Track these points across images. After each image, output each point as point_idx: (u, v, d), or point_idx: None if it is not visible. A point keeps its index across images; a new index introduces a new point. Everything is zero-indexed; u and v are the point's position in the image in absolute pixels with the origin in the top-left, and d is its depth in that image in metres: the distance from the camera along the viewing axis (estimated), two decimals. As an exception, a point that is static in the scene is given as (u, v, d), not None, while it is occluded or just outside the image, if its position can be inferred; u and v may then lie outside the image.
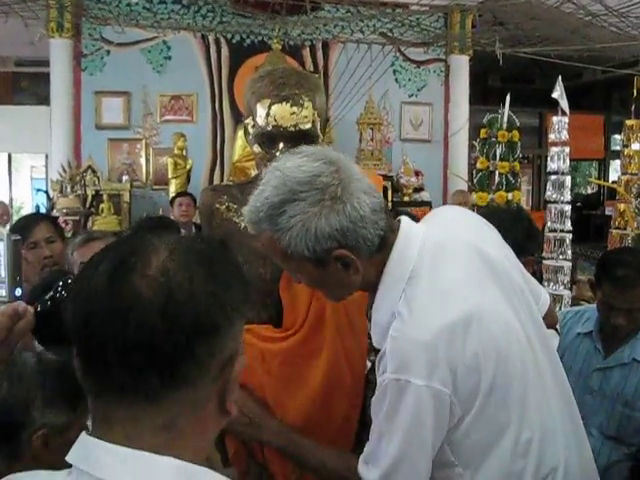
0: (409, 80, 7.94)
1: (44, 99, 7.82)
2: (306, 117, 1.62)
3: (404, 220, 1.39)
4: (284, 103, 1.60)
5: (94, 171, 6.81)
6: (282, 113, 1.61)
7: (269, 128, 1.62)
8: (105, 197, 6.64)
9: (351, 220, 1.23)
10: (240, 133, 6.97)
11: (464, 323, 1.24)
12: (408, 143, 7.86)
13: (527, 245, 2.43)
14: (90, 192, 6.67)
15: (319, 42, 7.60)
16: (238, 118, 7.37)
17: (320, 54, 7.63)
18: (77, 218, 6.33)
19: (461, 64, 7.86)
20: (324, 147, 1.38)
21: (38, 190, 6.75)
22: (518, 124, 5.37)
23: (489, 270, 1.36)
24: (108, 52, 7.24)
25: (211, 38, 7.41)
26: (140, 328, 0.77)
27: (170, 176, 6.73)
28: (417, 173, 7.25)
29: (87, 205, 6.60)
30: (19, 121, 8.51)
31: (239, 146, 6.96)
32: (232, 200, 1.77)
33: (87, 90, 7.24)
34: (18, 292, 1.13)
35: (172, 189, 6.65)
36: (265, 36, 7.27)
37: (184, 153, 6.79)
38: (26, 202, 9.36)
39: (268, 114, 1.61)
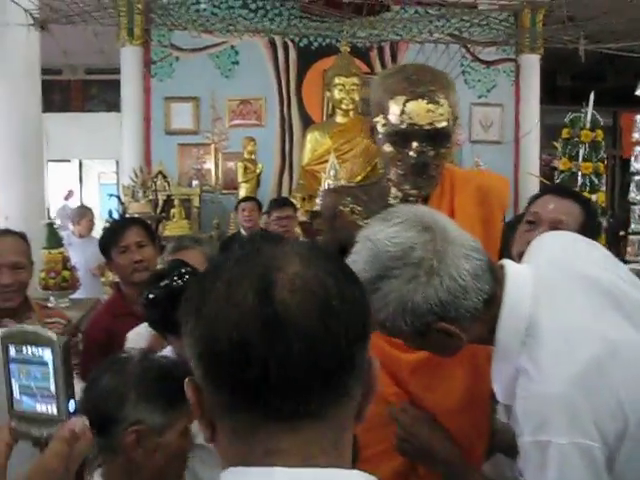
0: (478, 81, 7.81)
1: (113, 106, 7.95)
2: (442, 115, 1.56)
3: (508, 267, 1.29)
4: (420, 100, 1.54)
5: (164, 176, 6.86)
6: (418, 110, 1.54)
7: (403, 126, 1.56)
8: (176, 202, 6.68)
9: (450, 292, 1.17)
10: (309, 137, 6.94)
11: (596, 367, 1.15)
12: (478, 145, 7.71)
13: None
14: (161, 197, 6.73)
15: (387, 44, 7.51)
16: (306, 121, 7.36)
17: (388, 56, 7.55)
18: (149, 223, 6.38)
19: (532, 63, 7.68)
20: (418, 208, 1.30)
21: (111, 195, 6.83)
22: (602, 123, 5.19)
23: (607, 297, 1.26)
24: (177, 58, 7.30)
25: (279, 42, 7.41)
26: (307, 346, 0.72)
27: (240, 180, 6.70)
28: (489, 175, 7.10)
29: (158, 210, 6.67)
30: (90, 128, 8.68)
31: (308, 149, 6.92)
32: (356, 202, 1.71)
33: (157, 96, 7.32)
34: (72, 406, 0.91)
35: (242, 193, 6.61)
36: (333, 39, 7.23)
37: (254, 157, 6.79)
38: (94, 208, 9.49)
39: (403, 111, 1.55)
